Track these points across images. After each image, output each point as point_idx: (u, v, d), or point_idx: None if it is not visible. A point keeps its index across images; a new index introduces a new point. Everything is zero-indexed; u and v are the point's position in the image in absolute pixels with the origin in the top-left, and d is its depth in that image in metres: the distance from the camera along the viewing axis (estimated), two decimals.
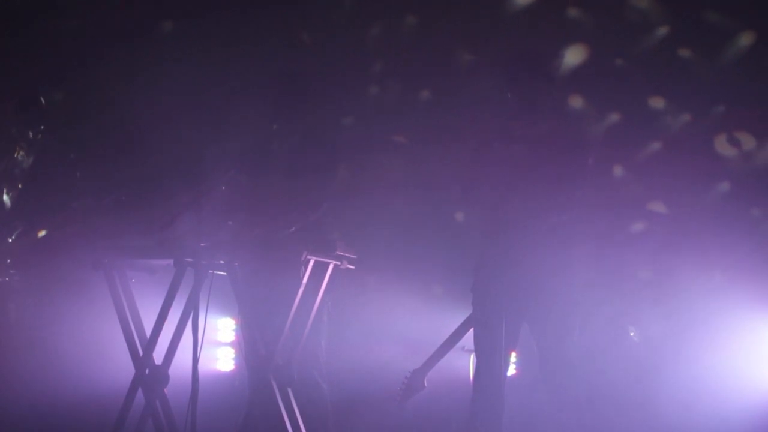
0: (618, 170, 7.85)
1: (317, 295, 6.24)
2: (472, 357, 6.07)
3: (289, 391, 6.15)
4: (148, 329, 6.25)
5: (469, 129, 7.17)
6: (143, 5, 8.13)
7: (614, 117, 7.92)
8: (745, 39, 7.71)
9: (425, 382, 6.51)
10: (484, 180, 5.94)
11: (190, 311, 5.91)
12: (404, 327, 7.75)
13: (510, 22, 7.99)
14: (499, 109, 6.06)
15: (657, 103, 7.85)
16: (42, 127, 7.19)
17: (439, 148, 7.91)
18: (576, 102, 7.89)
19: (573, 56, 7.84)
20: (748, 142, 7.70)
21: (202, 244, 5.98)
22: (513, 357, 6.37)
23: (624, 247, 7.72)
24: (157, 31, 8.15)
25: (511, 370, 6.76)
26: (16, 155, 7.23)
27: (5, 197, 7.22)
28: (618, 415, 7.24)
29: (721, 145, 7.72)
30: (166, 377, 6.17)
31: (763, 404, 7.27)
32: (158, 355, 6.21)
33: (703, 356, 7.41)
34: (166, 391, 6.21)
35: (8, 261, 7.08)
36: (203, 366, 5.97)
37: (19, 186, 7.21)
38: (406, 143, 8.16)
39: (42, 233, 7.08)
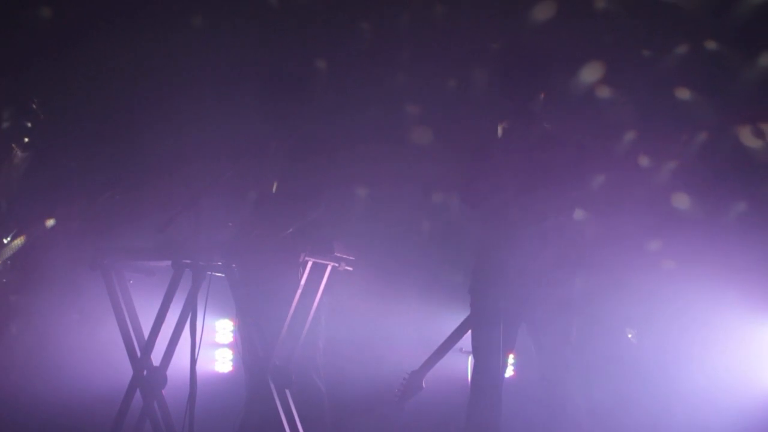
0: (617, 171, 7.85)
1: (315, 296, 6.24)
2: (470, 358, 6.07)
3: (287, 392, 6.15)
4: (146, 331, 6.25)
5: (469, 130, 7.18)
6: (147, 5, 8.12)
7: (615, 117, 7.92)
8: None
9: (423, 383, 6.51)
10: (483, 182, 5.94)
11: (188, 313, 5.91)
12: (402, 328, 7.75)
13: (519, 25, 8.00)
14: (498, 111, 6.05)
15: (670, 98, 7.84)
16: (37, 127, 7.19)
17: (438, 150, 7.92)
18: (575, 103, 7.90)
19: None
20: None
21: (200, 246, 5.98)
22: (511, 358, 6.37)
23: (622, 248, 7.72)
24: (155, 31, 8.14)
25: (509, 372, 6.76)
26: (11, 155, 7.22)
27: (1, 198, 7.22)
28: (616, 416, 7.24)
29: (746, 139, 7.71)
30: (164, 379, 6.17)
31: (762, 405, 7.27)
32: (156, 356, 6.21)
33: (701, 358, 7.41)
34: (164, 392, 6.21)
35: (5, 262, 7.07)
36: (201, 367, 5.97)
37: (15, 186, 7.21)
38: (405, 144, 8.16)
39: (39, 234, 7.08)
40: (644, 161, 7.83)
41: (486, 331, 5.89)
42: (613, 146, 7.79)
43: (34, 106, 7.20)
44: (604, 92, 7.87)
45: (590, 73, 7.85)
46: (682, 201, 7.75)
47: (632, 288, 7.63)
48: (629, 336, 7.73)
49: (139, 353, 6.24)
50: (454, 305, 6.67)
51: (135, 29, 8.08)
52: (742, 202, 7.66)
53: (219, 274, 6.10)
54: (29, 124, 7.20)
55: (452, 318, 6.54)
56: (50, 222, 7.06)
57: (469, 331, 6.13)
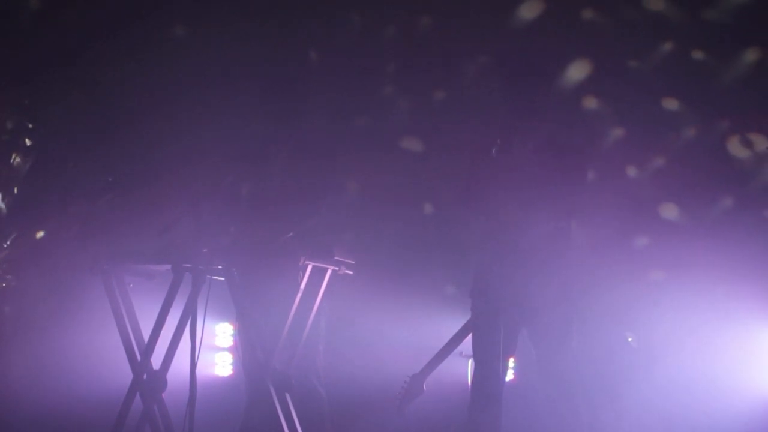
0: (617, 176, 7.85)
1: (315, 300, 6.23)
2: (471, 362, 6.06)
3: (287, 396, 6.15)
4: (146, 334, 6.24)
5: (469, 134, 7.17)
6: (144, 8, 8.12)
7: (617, 122, 7.92)
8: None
9: (424, 387, 6.51)
10: (483, 187, 5.94)
11: (188, 316, 5.91)
12: (402, 332, 7.75)
13: (518, 28, 7.99)
14: (499, 115, 6.05)
15: (666, 106, 7.83)
16: (37, 131, 7.19)
17: (438, 154, 7.92)
18: (576, 107, 7.90)
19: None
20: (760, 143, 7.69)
21: (200, 250, 5.98)
22: (511, 362, 6.36)
23: (622, 253, 7.72)
24: (156, 35, 8.14)
25: (510, 376, 6.75)
26: (11, 160, 7.22)
27: (0, 203, 7.21)
28: (616, 420, 7.24)
29: (734, 149, 7.71)
30: (164, 382, 6.16)
31: (760, 408, 7.27)
32: (156, 360, 6.21)
33: (701, 361, 7.41)
34: (163, 396, 6.21)
35: (4, 266, 7.07)
36: (201, 371, 5.97)
37: (15, 191, 7.20)
38: (405, 148, 8.16)
39: (38, 238, 7.07)
40: (630, 163, 7.85)
41: (487, 335, 5.89)
42: (600, 149, 7.80)
43: (34, 111, 7.20)
44: (589, 99, 7.90)
45: (576, 75, 7.87)
46: (670, 204, 7.77)
47: (631, 289, 7.64)
48: (629, 340, 7.72)
49: (139, 357, 6.23)
50: (455, 309, 6.66)
51: (133, 32, 8.07)
52: (729, 199, 7.68)
53: (219, 278, 6.10)
54: (29, 128, 7.20)
55: (453, 322, 6.54)
56: (50, 226, 7.06)
57: (470, 335, 6.12)
